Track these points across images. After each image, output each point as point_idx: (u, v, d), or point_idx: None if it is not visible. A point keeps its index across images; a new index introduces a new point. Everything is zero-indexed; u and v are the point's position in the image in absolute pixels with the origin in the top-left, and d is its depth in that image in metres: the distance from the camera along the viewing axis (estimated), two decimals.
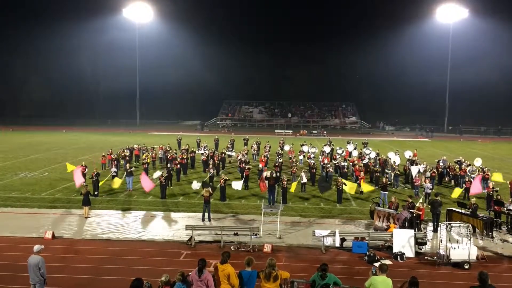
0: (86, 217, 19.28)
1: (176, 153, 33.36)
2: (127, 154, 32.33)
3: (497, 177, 25.44)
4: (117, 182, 23.52)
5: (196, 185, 22.60)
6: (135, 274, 10.33)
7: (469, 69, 76.25)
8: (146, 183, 22.49)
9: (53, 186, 25.86)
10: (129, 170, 25.06)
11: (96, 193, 22.85)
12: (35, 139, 54.88)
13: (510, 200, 19.58)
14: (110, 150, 32.69)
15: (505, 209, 18.54)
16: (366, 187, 23.33)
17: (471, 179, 23.92)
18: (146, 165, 28.43)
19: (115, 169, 26.63)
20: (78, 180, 22.29)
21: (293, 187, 23.16)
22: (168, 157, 32.33)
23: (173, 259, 14.78)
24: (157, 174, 24.28)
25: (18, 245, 15.69)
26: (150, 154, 32.83)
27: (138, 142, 40.30)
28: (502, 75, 78.16)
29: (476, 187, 22.15)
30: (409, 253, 15.24)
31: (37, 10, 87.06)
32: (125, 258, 14.81)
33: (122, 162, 31.23)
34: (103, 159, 31.68)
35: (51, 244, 15.45)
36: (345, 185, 22.04)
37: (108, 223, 18.62)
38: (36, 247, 10.91)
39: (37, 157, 38.28)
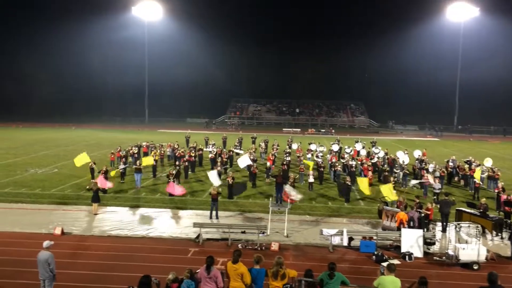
0: (95, 214, 19.44)
1: (184, 151, 33.43)
2: (135, 151, 32.50)
3: None
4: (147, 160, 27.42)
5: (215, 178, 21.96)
6: (143, 271, 10.38)
7: (479, 68, 75.34)
8: (175, 189, 21.72)
9: (63, 182, 26.08)
10: (136, 167, 25.20)
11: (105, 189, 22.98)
12: (44, 135, 55.34)
13: None
14: (119, 147, 32.85)
15: None
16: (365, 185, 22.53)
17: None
18: (154, 163, 28.52)
19: (124, 166, 26.89)
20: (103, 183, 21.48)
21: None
22: (176, 154, 32.45)
23: (180, 257, 14.84)
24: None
25: (27, 240, 15.84)
26: (159, 151, 32.94)
27: (147, 140, 40.47)
28: None
29: None
30: (418, 253, 15.16)
31: (46, 8, 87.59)
32: (133, 254, 14.90)
33: (130, 159, 31.41)
34: (112, 156, 31.85)
35: (60, 240, 15.59)
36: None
37: (116, 220, 18.75)
38: (46, 243, 11.01)
39: (47, 153, 38.61)
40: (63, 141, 48.74)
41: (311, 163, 28.37)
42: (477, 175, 24.92)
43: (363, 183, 22.19)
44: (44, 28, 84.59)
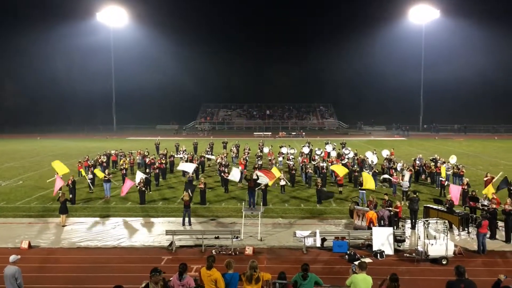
0: (63, 226, 18.91)
1: (154, 158, 33.00)
2: (104, 160, 31.85)
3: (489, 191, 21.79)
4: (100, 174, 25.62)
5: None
6: (115, 282, 10.19)
7: (442, 69, 78.19)
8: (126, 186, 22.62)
9: (28, 194, 25.27)
10: (106, 178, 24.68)
11: (71, 196, 22.36)
12: (9, 147, 53.54)
13: (485, 196, 20.08)
14: (87, 157, 32.12)
15: (480, 204, 19.00)
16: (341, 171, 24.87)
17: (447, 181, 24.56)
18: (124, 171, 28.01)
19: (92, 176, 26.32)
20: (58, 185, 22.22)
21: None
22: (147, 162, 32.00)
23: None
24: (139, 176, 24.06)
25: None
26: (128, 159, 32.39)
27: (115, 148, 39.74)
28: (473, 73, 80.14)
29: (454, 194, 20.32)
30: (389, 250, 15.47)
31: (9, 15, 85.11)
32: (104, 265, 14.58)
33: (99, 168, 30.70)
34: (80, 165, 31.07)
35: (27, 254, 15.11)
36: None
37: (86, 231, 18.31)
38: (12, 257, 10.68)
39: (11, 165, 37.35)
40: (28, 152, 47.26)
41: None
42: (443, 173, 25.65)
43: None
44: (7, 36, 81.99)
